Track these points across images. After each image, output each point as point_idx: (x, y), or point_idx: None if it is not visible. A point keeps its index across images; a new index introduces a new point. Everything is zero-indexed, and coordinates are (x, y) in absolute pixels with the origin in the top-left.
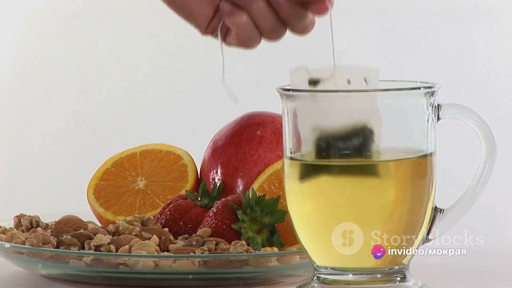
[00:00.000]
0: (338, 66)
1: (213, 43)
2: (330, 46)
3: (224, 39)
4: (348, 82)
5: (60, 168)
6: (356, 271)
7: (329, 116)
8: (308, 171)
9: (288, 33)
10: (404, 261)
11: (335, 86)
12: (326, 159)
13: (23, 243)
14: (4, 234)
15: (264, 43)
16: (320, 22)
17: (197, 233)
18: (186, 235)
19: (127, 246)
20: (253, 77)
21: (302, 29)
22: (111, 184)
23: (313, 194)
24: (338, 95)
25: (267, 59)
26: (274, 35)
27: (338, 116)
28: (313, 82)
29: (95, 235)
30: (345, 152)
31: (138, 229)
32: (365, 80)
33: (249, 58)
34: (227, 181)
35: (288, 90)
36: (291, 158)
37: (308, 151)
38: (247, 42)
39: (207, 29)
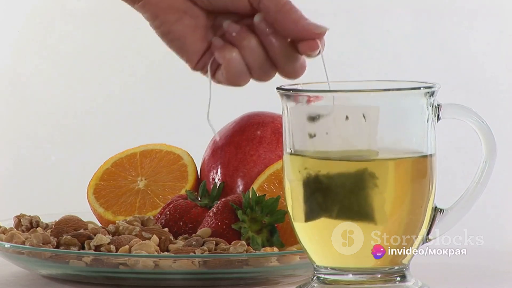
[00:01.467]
0: (336, 105)
1: None
2: (326, 83)
3: (214, 75)
4: (346, 118)
5: (60, 168)
6: (356, 271)
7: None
8: (308, 171)
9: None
10: (404, 261)
11: (333, 123)
12: (326, 159)
13: (23, 243)
14: (4, 234)
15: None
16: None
17: (197, 233)
18: (186, 235)
19: (127, 246)
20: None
21: (291, 72)
22: (111, 184)
23: (313, 194)
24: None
25: None
26: (263, 74)
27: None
28: (312, 118)
29: (95, 235)
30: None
31: (138, 229)
32: (364, 117)
33: None
34: (227, 181)
35: (288, 90)
36: (291, 158)
37: (307, 151)
38: (235, 79)
39: (198, 64)
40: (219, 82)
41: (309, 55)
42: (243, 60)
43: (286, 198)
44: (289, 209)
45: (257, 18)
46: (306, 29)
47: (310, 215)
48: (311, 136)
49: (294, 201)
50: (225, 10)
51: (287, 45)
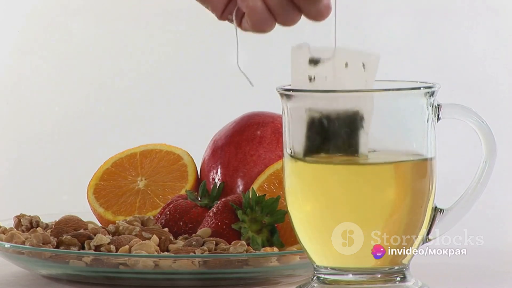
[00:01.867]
0: (338, 48)
1: (214, 43)
2: (332, 27)
3: (240, 24)
4: (346, 65)
5: (60, 168)
6: (356, 271)
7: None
8: (308, 171)
9: (304, 19)
10: (404, 261)
11: (333, 68)
12: (326, 159)
13: (23, 243)
14: (4, 234)
15: (278, 30)
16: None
17: (197, 233)
18: (186, 235)
19: (127, 246)
20: (253, 77)
21: (315, 13)
22: (111, 184)
23: (313, 194)
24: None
25: (267, 59)
26: (287, 19)
27: (332, 100)
28: (313, 61)
29: (95, 235)
30: (335, 137)
31: (138, 229)
32: (363, 65)
33: (249, 58)
34: (227, 181)
35: (288, 90)
36: (291, 158)
37: (304, 148)
38: (260, 26)
39: (223, 13)
40: (245, 29)
41: None
42: (265, 6)
43: (286, 198)
44: (289, 144)
45: None
46: None
47: (311, 150)
48: (311, 79)
49: (294, 138)
50: None
51: None
